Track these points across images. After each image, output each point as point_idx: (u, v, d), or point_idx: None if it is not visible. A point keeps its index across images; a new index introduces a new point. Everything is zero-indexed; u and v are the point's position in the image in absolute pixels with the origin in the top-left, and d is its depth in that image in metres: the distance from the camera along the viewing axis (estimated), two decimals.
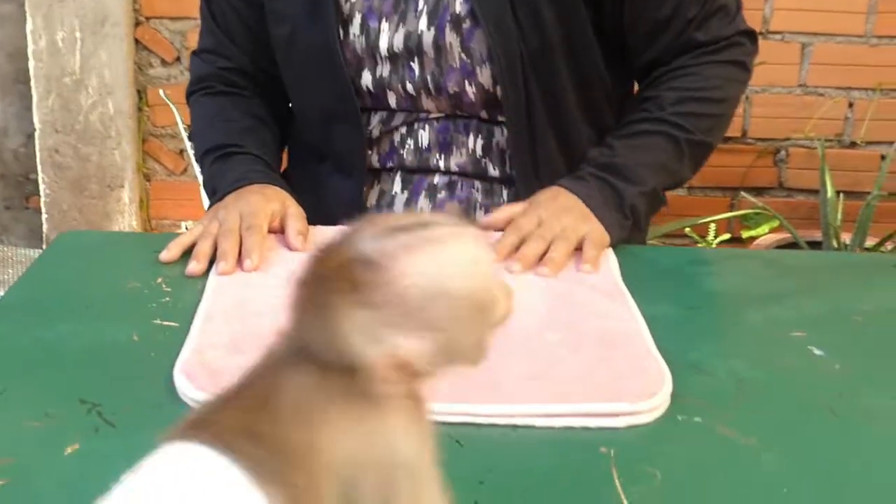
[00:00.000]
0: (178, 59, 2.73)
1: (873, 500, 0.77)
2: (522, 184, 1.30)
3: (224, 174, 1.30)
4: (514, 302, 0.55)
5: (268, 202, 1.21)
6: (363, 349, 0.50)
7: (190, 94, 1.47)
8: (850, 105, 2.75)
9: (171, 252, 1.17)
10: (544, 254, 1.13)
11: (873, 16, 2.66)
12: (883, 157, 2.69)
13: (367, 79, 1.30)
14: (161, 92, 2.62)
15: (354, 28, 1.29)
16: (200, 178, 1.48)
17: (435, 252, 0.51)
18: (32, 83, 2.69)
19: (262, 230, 1.16)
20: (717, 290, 1.18)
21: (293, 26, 1.31)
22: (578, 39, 1.27)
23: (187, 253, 1.18)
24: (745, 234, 2.77)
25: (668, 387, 0.89)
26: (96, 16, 2.63)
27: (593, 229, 1.18)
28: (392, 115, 1.33)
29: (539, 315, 1.01)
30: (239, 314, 1.01)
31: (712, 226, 2.75)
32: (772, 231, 2.76)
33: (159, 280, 1.13)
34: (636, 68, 1.36)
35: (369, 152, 1.34)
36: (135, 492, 0.50)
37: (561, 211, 1.18)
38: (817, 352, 0.99)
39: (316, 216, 1.24)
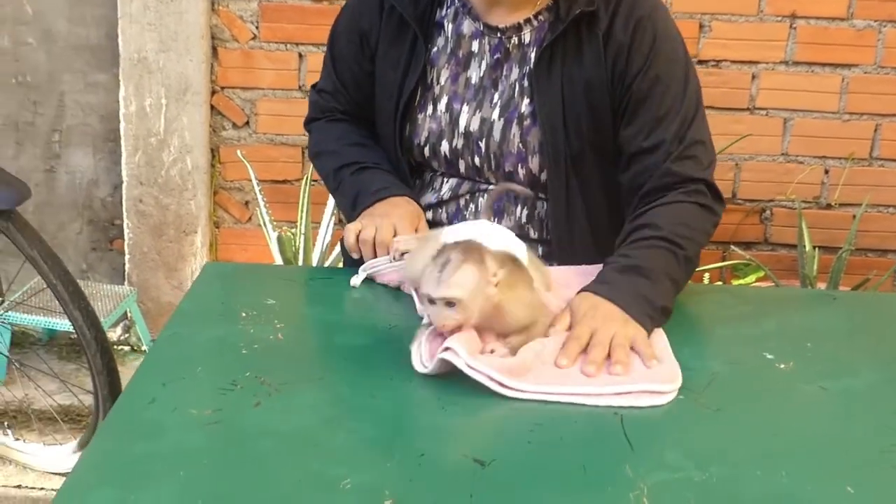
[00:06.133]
0: (247, 123, 3.15)
1: (798, 451, 1.17)
2: (557, 246, 1.68)
3: (366, 185, 1.68)
4: None
5: (410, 214, 1.63)
6: None
7: (311, 121, 1.85)
8: (826, 172, 3.14)
9: (352, 247, 1.59)
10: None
11: (845, 95, 3.06)
12: (854, 217, 3.07)
13: (445, 147, 1.69)
14: (238, 152, 3.05)
15: (441, 106, 1.69)
16: (330, 192, 1.83)
17: None
18: (122, 142, 3.11)
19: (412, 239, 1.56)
20: (700, 313, 1.57)
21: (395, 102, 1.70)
22: (605, 143, 1.65)
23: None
24: (734, 283, 3.13)
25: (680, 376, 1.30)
26: (179, 85, 3.07)
27: (636, 330, 1.37)
28: (461, 184, 1.72)
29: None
30: None
31: (706, 275, 3.09)
32: (758, 280, 3.10)
33: (289, 298, 1.54)
34: (622, 183, 1.66)
35: (440, 210, 1.74)
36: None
37: (606, 320, 1.37)
38: (769, 356, 1.40)
39: None
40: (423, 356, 1.28)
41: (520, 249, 1.41)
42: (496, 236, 1.38)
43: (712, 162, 1.66)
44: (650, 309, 1.42)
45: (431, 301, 1.26)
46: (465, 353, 1.24)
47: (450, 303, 1.25)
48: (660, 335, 1.40)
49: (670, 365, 1.32)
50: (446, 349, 1.25)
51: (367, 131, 1.80)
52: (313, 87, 1.87)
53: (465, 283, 1.24)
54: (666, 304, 1.45)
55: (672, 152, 1.60)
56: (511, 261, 1.32)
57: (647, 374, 1.29)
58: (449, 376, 1.26)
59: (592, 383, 1.27)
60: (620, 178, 1.66)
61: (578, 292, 1.45)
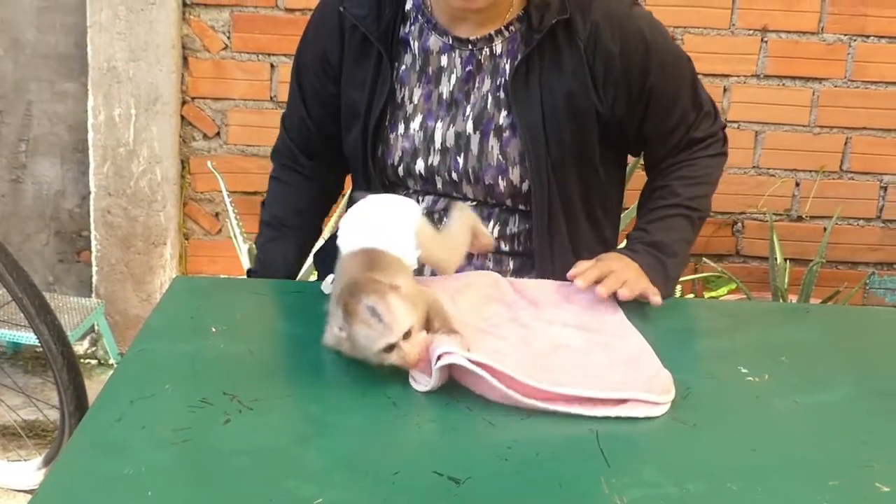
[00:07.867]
0: (217, 133, 3.12)
1: (773, 466, 1.17)
2: (539, 257, 1.67)
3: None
4: None
5: None
6: None
7: (272, 157, 1.89)
8: (797, 184, 3.16)
9: None
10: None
11: (816, 109, 3.08)
12: (824, 230, 3.09)
13: (420, 165, 1.67)
14: (209, 163, 3.02)
15: (415, 124, 1.67)
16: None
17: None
18: (90, 152, 3.07)
19: None
20: (675, 327, 1.56)
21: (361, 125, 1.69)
22: (587, 152, 1.66)
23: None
24: (707, 295, 3.13)
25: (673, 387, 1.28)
26: (149, 95, 3.03)
27: (648, 284, 1.57)
28: (437, 200, 1.70)
29: (578, 346, 1.40)
30: None
31: (678, 287, 3.08)
32: (730, 292, 3.11)
33: (260, 312, 1.52)
34: (648, 165, 1.77)
35: None
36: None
37: (626, 266, 1.58)
38: (743, 370, 1.39)
39: None
40: (418, 378, 1.27)
41: (413, 211, 1.46)
42: (388, 210, 1.44)
43: (714, 106, 1.78)
44: (664, 279, 1.62)
45: (391, 347, 1.25)
46: (462, 352, 1.24)
47: (406, 333, 1.25)
48: (646, 348, 1.40)
49: (664, 376, 1.31)
50: (439, 357, 1.24)
51: (304, 192, 1.85)
52: (282, 119, 1.87)
53: (401, 312, 1.25)
54: (677, 276, 1.68)
55: (692, 122, 1.72)
56: (379, 258, 1.34)
57: (645, 384, 1.28)
58: (424, 393, 1.25)
59: (592, 386, 1.25)
60: (648, 160, 1.78)
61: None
